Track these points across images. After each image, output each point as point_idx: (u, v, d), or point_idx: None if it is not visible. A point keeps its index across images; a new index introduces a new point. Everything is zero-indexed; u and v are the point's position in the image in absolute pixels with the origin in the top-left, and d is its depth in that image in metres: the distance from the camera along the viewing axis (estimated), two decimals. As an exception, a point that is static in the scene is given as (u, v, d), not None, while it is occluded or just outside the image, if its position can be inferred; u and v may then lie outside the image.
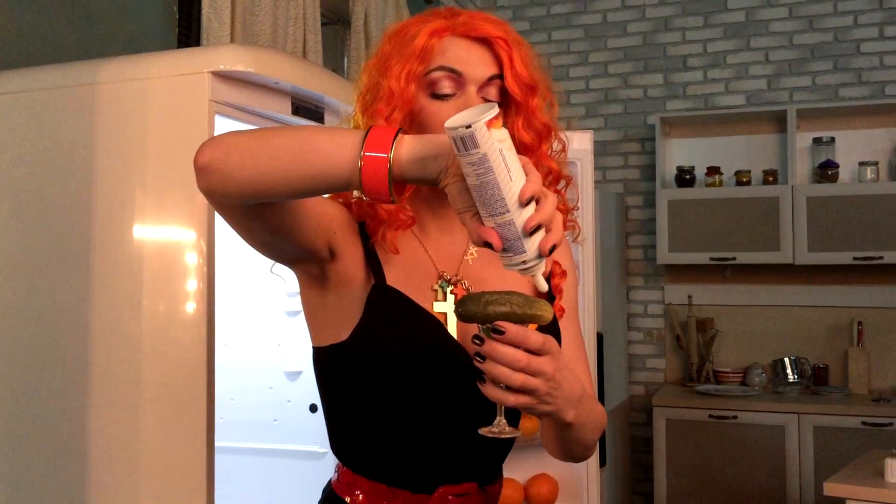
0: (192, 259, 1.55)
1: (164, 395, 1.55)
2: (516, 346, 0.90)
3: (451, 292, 1.16)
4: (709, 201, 4.29)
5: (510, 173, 0.84)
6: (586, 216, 2.58)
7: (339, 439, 1.19)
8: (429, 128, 1.11)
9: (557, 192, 1.19)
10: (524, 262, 0.88)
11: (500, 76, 1.12)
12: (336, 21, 3.48)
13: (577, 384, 0.99)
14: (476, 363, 0.92)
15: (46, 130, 1.67)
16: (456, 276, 1.17)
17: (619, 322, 4.52)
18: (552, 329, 1.17)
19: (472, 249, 1.21)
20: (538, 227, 0.85)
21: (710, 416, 4.01)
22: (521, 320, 0.91)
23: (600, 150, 4.66)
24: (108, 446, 1.57)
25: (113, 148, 1.60)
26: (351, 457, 1.17)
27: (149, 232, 1.58)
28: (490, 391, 0.92)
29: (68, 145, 1.64)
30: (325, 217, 1.09)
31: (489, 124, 0.82)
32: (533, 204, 0.86)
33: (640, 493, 4.56)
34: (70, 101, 1.65)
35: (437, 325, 1.11)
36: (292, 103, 1.73)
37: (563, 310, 1.24)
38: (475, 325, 1.10)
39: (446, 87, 1.10)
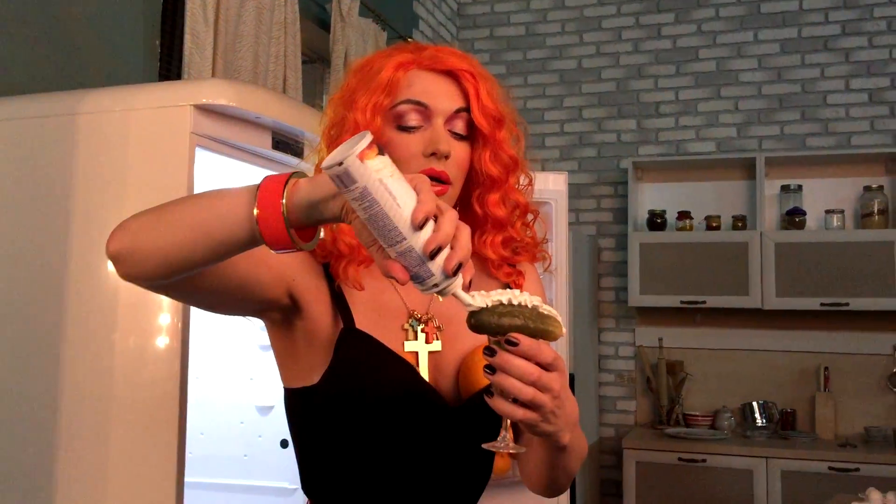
0: (168, 291, 1.54)
1: (134, 430, 1.53)
2: (528, 359, 0.89)
3: (423, 331, 1.15)
4: (679, 245, 4.35)
5: (396, 200, 0.81)
6: (560, 257, 2.60)
7: (312, 479, 1.17)
8: (395, 161, 1.11)
9: (526, 224, 1.20)
10: (436, 286, 0.85)
11: (467, 109, 1.12)
12: (315, 59, 3.52)
13: (576, 407, 0.99)
14: (485, 375, 0.90)
15: (25, 160, 1.67)
16: (426, 313, 1.16)
17: (590, 363, 4.53)
18: None
19: None
20: (439, 249, 0.83)
21: (680, 458, 4.02)
22: (534, 334, 0.89)
23: (574, 192, 4.71)
24: (77, 481, 1.54)
25: (92, 179, 1.60)
26: (324, 497, 1.16)
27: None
28: (498, 404, 0.91)
29: (47, 175, 1.64)
30: (279, 265, 1.07)
31: (362, 156, 0.80)
32: (430, 224, 0.83)
33: (610, 536, 4.54)
34: (50, 131, 1.64)
35: (408, 368, 1.10)
36: (272, 138, 1.74)
37: None
38: (454, 362, 1.10)
39: (412, 119, 1.10)
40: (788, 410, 4.29)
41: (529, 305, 0.90)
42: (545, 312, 0.91)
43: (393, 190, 0.81)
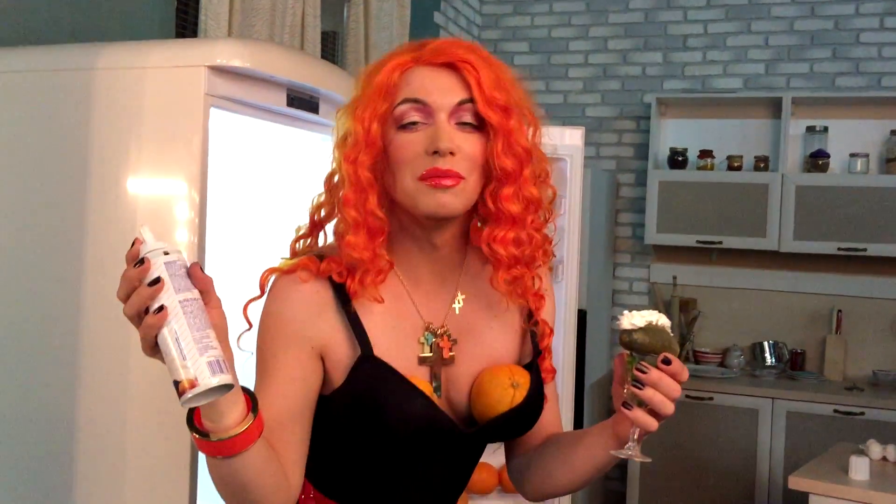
0: (186, 237, 1.56)
1: (152, 381, 1.57)
2: (672, 377, 1.02)
3: (440, 346, 1.14)
4: (699, 184, 4.32)
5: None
6: (574, 205, 2.60)
7: (314, 468, 1.18)
8: (398, 161, 1.06)
9: (535, 221, 1.12)
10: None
11: (472, 100, 1.06)
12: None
13: None
14: (634, 390, 1.03)
15: (43, 112, 1.68)
16: (442, 326, 1.15)
17: (604, 298, 4.57)
18: (537, 388, 1.17)
19: (460, 296, 1.18)
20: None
21: (687, 396, 4.07)
22: (672, 353, 1.04)
23: (595, 125, 4.67)
24: (95, 430, 1.60)
25: (108, 136, 1.61)
26: (324, 486, 1.19)
27: (141, 217, 1.59)
28: (640, 416, 1.04)
29: (62, 130, 1.65)
30: (306, 371, 1.10)
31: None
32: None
33: (615, 467, 4.66)
34: (67, 85, 1.65)
35: (423, 398, 1.09)
36: (287, 95, 1.74)
37: (553, 372, 1.23)
38: (468, 376, 1.16)
39: (413, 117, 1.06)
40: (798, 351, 4.33)
41: (667, 327, 1.04)
42: (671, 334, 1.05)
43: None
